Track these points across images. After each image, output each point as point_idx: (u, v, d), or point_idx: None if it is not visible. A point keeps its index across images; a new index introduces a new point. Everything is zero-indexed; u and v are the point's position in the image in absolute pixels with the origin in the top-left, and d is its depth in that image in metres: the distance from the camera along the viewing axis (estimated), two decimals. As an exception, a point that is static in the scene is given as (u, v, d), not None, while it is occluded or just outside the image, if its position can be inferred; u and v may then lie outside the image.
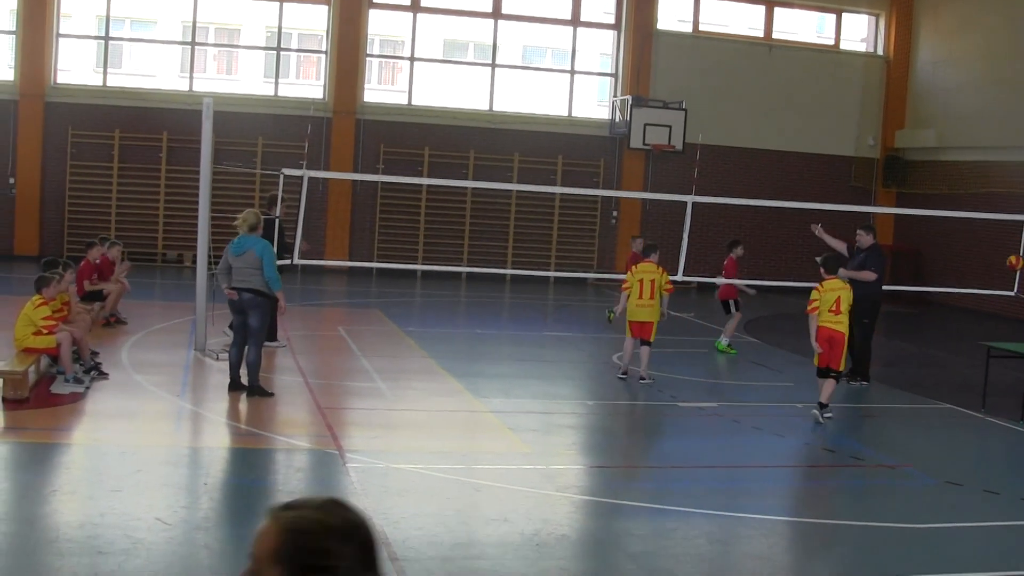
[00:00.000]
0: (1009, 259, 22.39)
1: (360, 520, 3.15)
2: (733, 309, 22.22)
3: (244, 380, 15.60)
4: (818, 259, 16.86)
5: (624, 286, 18.47)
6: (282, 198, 19.36)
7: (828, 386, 15.91)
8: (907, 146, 37.48)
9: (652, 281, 18.16)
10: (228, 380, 15.79)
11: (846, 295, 15.98)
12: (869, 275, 19.11)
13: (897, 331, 27.50)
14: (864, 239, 19.62)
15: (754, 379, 19.64)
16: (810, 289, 16.31)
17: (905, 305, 33.15)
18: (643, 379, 18.13)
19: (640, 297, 18.12)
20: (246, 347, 15.67)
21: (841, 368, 16.18)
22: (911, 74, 37.91)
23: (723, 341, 22.25)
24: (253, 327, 15.55)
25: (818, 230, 19.79)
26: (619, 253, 35.71)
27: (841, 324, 15.90)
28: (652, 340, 18.27)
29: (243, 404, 15.25)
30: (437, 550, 9.58)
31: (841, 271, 18.90)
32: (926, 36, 37.36)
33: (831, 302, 15.85)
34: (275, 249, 18.13)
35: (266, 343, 19.07)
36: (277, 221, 19.09)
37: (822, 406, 15.85)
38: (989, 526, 11.30)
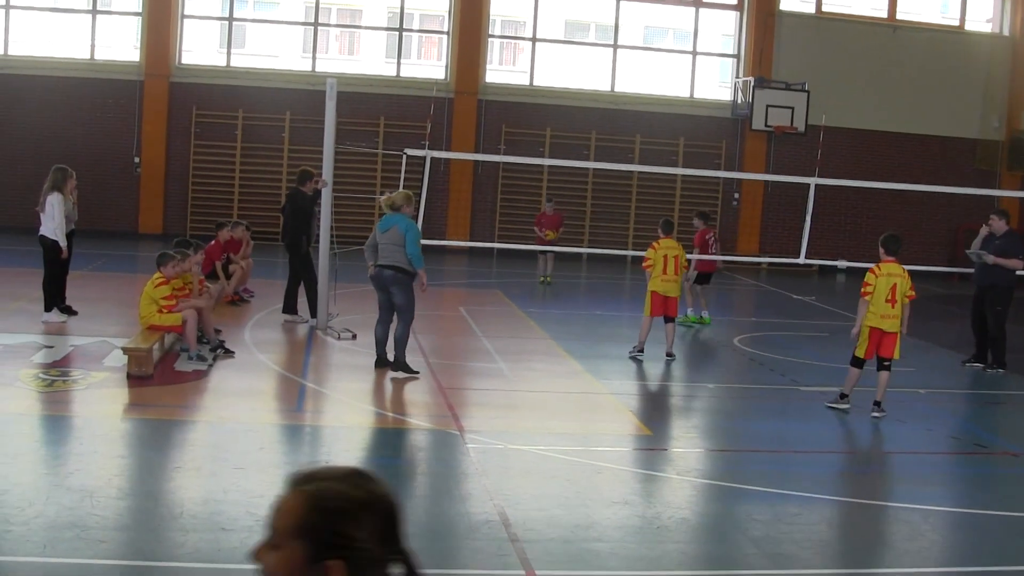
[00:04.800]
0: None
1: (385, 493, 3.01)
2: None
3: (390, 356, 15.72)
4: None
5: (646, 264, 18.47)
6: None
7: (883, 379, 15.00)
8: (1034, 128, 36.70)
9: (676, 257, 18.36)
10: (373, 358, 15.91)
11: (902, 284, 14.87)
12: (1017, 263, 18.49)
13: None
14: (998, 224, 18.87)
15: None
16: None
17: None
18: (670, 355, 18.30)
19: (664, 273, 18.25)
20: (392, 323, 15.86)
21: (896, 356, 15.01)
22: (1039, 54, 37.12)
23: (704, 313, 22.83)
24: (399, 304, 15.62)
25: (989, 258, 18.62)
26: (741, 235, 35.45)
27: (897, 319, 14.88)
28: (677, 316, 18.83)
29: (365, 383, 15.35)
30: (557, 531, 9.54)
31: (987, 256, 18.43)
32: (1057, 15, 36.55)
33: (886, 289, 14.80)
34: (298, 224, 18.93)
35: (286, 316, 19.27)
36: (307, 196, 19.44)
37: (876, 404, 14.94)
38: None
